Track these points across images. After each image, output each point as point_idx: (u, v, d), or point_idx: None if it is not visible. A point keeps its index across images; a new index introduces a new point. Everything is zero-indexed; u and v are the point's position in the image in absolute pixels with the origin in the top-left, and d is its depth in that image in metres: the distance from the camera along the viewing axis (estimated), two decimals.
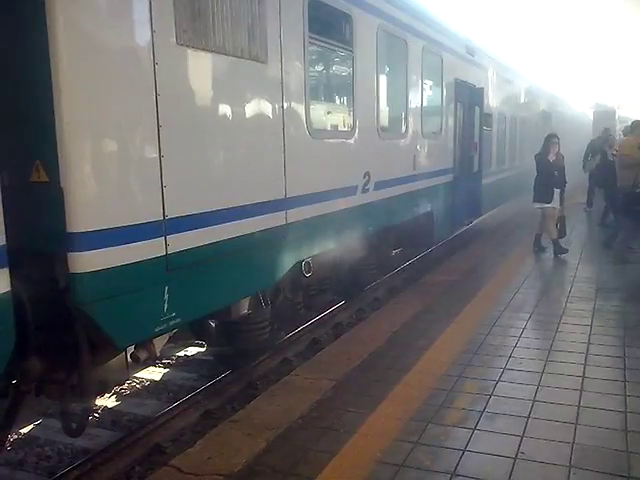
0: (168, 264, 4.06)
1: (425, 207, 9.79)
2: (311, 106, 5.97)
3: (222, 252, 4.63)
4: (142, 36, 3.85)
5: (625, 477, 3.56)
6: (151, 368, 7.14)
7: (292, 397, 4.89)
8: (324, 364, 5.63)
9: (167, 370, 7.12)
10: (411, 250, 12.33)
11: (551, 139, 10.50)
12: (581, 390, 4.77)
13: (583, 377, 5.03)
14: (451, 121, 10.99)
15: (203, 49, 4.35)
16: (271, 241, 5.35)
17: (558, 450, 3.87)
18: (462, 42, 11.71)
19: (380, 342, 6.17)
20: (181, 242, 4.17)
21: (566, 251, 10.24)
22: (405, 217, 8.99)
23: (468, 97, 11.96)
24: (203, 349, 7.22)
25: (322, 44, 6.27)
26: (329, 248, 6.54)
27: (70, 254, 3.52)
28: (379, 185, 7.68)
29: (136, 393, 6.50)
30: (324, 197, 6.17)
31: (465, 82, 11.67)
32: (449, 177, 10.99)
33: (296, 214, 5.67)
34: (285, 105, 5.42)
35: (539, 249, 10.68)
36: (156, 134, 3.91)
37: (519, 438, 4.04)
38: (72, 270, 3.51)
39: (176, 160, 4.11)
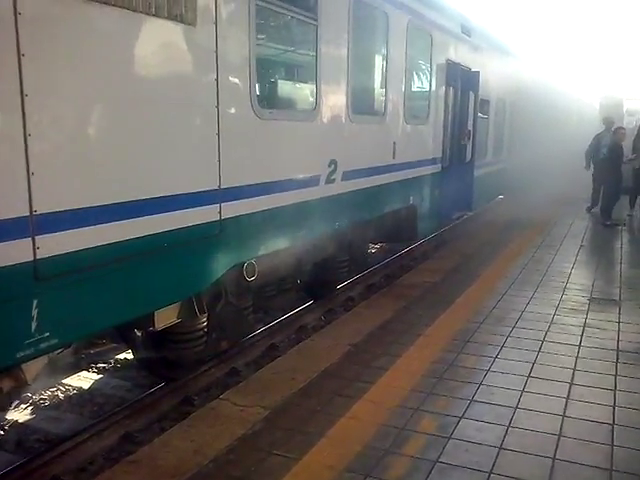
0: (37, 272, 3.20)
1: (406, 199, 8.92)
2: (258, 81, 5.07)
3: (122, 254, 3.77)
4: None
5: None
6: (84, 373, 6.34)
7: (212, 430, 4.07)
8: (263, 385, 4.79)
9: (100, 376, 6.31)
10: (395, 245, 11.51)
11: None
12: (559, 435, 3.94)
13: (563, 416, 4.19)
14: (440, 106, 10.06)
15: (96, 0, 3.46)
16: (198, 240, 4.49)
17: None
18: (457, 20, 10.75)
19: (335, 357, 5.33)
20: (58, 243, 3.31)
21: None
22: (382, 210, 8.13)
23: (462, 81, 11.02)
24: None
25: (276, 8, 5.34)
26: (281, 247, 5.67)
27: None
28: (348, 175, 6.80)
29: (56, 404, 5.69)
30: (273, 188, 5.30)
31: (459, 64, 10.72)
32: (436, 167, 10.09)
33: (234, 208, 4.80)
34: (220, 79, 4.53)
35: None
36: (20, 105, 3.04)
37: None
38: None
39: (51, 140, 3.24)
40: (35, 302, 3.21)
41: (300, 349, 5.68)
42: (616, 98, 26.41)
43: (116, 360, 6.63)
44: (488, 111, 13.24)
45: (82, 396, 5.84)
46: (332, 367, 5.12)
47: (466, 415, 4.22)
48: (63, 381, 6.06)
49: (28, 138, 3.09)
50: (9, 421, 5.31)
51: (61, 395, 5.85)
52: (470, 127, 11.64)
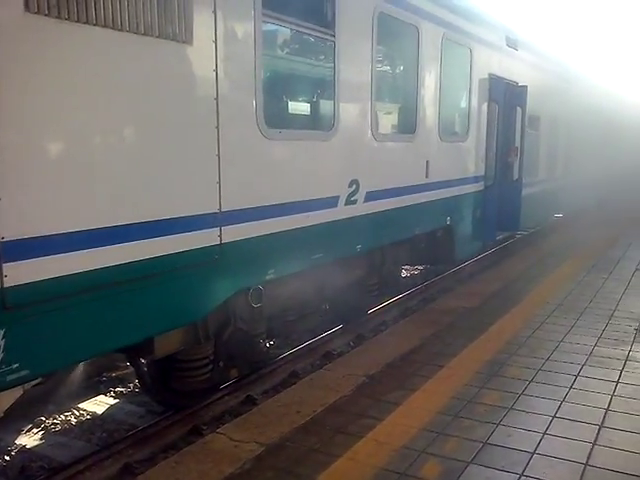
0: (5, 300, 3.09)
1: (442, 220, 8.53)
2: (266, 100, 4.89)
3: (106, 281, 3.63)
4: None
5: None
6: (101, 397, 6.28)
7: (200, 467, 3.85)
8: (264, 418, 4.54)
9: (116, 401, 6.22)
10: (437, 268, 11.09)
11: None
12: None
13: (586, 464, 3.74)
14: (483, 122, 9.66)
15: (77, 21, 3.36)
16: (196, 265, 4.31)
17: None
18: (501, 33, 10.34)
19: (347, 390, 5.03)
20: (28, 271, 3.19)
21: None
22: (413, 232, 7.77)
23: (507, 96, 10.57)
24: None
25: (287, 25, 5.18)
26: (293, 271, 5.44)
27: None
28: (372, 195, 6.52)
29: (67, 429, 5.62)
30: (281, 211, 5.09)
31: (503, 79, 10.29)
32: (478, 186, 9.66)
33: (236, 232, 4.61)
34: (221, 98, 4.37)
35: None
36: None
37: None
38: None
39: (25, 163, 3.14)
40: (2, 332, 3.09)
41: (312, 379, 5.40)
42: None
43: (135, 385, 6.53)
44: (539, 127, 12.67)
45: (94, 422, 5.76)
46: (341, 400, 4.83)
47: (475, 460, 3.83)
48: (79, 405, 6.00)
49: None
50: (17, 446, 5.27)
51: (74, 420, 5.78)
52: (517, 144, 11.14)
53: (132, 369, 6.24)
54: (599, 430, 4.22)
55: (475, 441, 4.09)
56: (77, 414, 5.89)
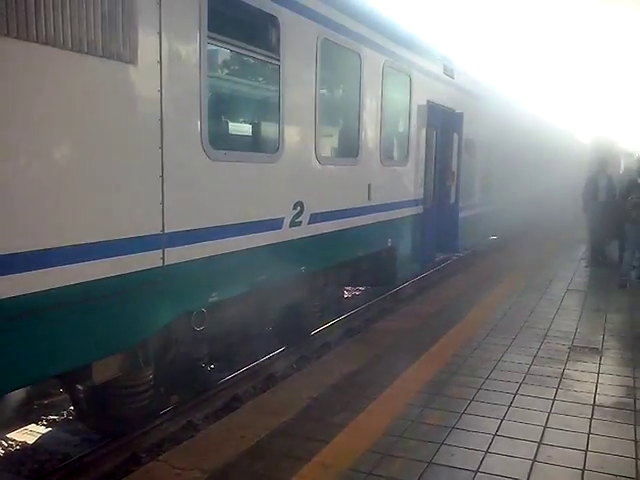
0: None
1: (384, 242, 8.66)
2: (211, 122, 4.87)
3: (39, 305, 3.49)
4: None
5: None
6: (32, 426, 5.99)
7: None
8: (208, 444, 4.44)
9: (48, 430, 5.95)
10: (378, 288, 11.21)
11: None
12: None
13: None
14: (421, 147, 9.91)
15: (17, 38, 3.26)
16: (138, 287, 4.21)
17: None
18: (438, 61, 10.68)
19: (292, 413, 4.99)
20: None
21: None
22: (356, 253, 7.86)
23: (444, 122, 10.90)
24: None
25: (233, 48, 5.19)
26: (237, 293, 5.39)
27: None
28: (317, 217, 6.56)
29: None
30: (225, 232, 5.05)
31: (441, 105, 10.62)
32: (417, 209, 9.87)
33: (179, 254, 4.54)
34: (165, 119, 4.32)
35: None
36: None
37: None
38: None
39: None
40: None
41: (256, 403, 5.33)
42: (609, 139, 26.39)
43: (69, 412, 6.27)
44: (474, 152, 13.10)
45: (24, 452, 5.48)
46: (286, 424, 4.78)
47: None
48: (7, 435, 5.70)
49: None
50: None
51: (1, 451, 5.48)
52: (454, 169, 11.48)
53: (65, 395, 6.02)
54: (538, 447, 4.34)
55: (420, 461, 4.13)
56: (5, 444, 5.59)
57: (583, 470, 4.02)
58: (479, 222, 13.95)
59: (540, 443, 4.41)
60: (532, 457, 4.19)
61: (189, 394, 5.73)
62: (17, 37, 3.28)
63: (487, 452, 4.27)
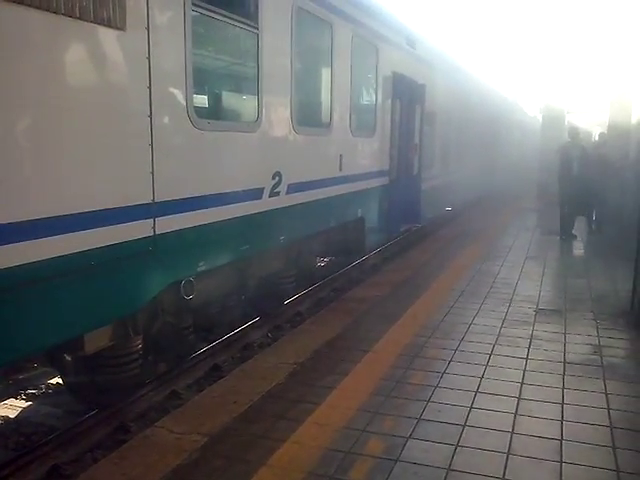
0: None
1: (354, 212, 8.80)
2: (196, 91, 4.85)
3: (31, 277, 3.47)
4: None
5: None
6: (11, 400, 5.93)
7: (146, 461, 3.78)
8: (202, 410, 4.52)
9: (29, 403, 5.90)
10: (344, 259, 11.37)
11: None
12: (508, 454, 3.82)
13: (512, 432, 4.09)
14: (387, 119, 10.04)
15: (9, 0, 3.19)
16: (129, 257, 4.21)
17: None
18: (402, 32, 10.77)
19: (280, 377, 5.11)
20: None
21: None
22: (329, 224, 7.97)
23: (408, 94, 11.05)
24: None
25: (214, 15, 5.14)
26: (222, 263, 5.43)
27: None
28: (294, 188, 6.63)
29: None
30: (212, 202, 5.07)
31: (405, 77, 10.74)
32: (384, 180, 10.04)
33: (169, 223, 4.55)
34: (154, 87, 4.29)
35: None
36: None
37: None
38: None
39: None
40: None
41: (243, 370, 5.43)
42: (558, 111, 27.01)
43: (48, 385, 6.22)
44: (434, 124, 13.33)
45: (8, 426, 5.44)
46: (276, 388, 4.90)
47: (414, 435, 4.06)
48: None
49: None
50: None
51: None
52: (417, 140, 11.67)
53: (42, 369, 5.98)
54: (518, 402, 4.60)
55: (410, 418, 4.32)
56: None
57: (562, 421, 4.29)
58: (439, 193, 14.26)
59: (520, 398, 4.67)
60: (514, 411, 4.44)
61: (174, 363, 5.76)
62: (14, 1, 3.20)
63: (471, 408, 4.50)
